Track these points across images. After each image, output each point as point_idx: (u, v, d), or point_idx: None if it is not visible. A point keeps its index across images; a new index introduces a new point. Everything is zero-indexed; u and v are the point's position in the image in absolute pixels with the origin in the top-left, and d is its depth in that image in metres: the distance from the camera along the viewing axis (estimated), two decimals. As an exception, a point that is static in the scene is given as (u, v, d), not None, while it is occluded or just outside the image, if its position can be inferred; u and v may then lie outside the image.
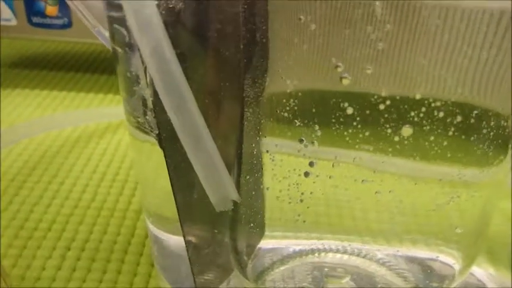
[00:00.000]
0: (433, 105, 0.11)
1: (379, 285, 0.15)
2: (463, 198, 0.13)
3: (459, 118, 0.11)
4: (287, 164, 0.13)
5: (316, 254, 0.16)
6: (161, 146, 0.13)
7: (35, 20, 0.28)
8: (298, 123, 0.12)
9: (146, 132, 0.15)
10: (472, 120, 0.12)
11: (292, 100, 0.12)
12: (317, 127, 0.12)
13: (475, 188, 0.13)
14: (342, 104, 0.11)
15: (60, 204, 0.21)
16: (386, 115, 0.11)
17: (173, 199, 0.13)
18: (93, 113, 0.28)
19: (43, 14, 0.28)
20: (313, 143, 0.12)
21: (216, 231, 0.15)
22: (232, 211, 0.14)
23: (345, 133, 0.12)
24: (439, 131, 0.11)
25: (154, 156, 0.14)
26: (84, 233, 0.19)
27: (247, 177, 0.14)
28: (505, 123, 0.12)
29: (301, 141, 0.12)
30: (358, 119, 0.11)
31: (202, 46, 0.13)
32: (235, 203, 0.13)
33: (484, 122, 0.12)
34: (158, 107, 0.12)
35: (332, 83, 0.11)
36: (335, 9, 0.11)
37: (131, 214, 0.21)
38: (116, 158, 0.24)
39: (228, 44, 0.12)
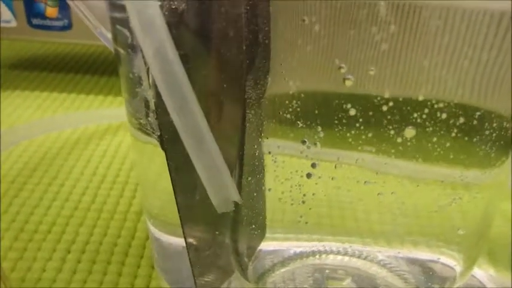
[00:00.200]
0: (435, 106, 0.11)
1: (380, 287, 0.15)
2: (465, 199, 0.13)
3: (462, 119, 0.11)
4: (289, 165, 0.13)
5: (317, 256, 0.16)
6: (163, 148, 0.13)
7: (35, 21, 0.28)
8: (300, 125, 0.12)
9: (148, 134, 0.14)
10: (475, 122, 0.12)
11: (295, 101, 0.12)
12: (320, 128, 0.12)
13: (477, 189, 0.13)
14: (344, 106, 0.11)
15: (61, 206, 0.21)
16: (389, 116, 0.11)
17: (174, 200, 0.13)
18: (93, 115, 0.28)
19: (43, 16, 0.28)
20: (315, 144, 0.12)
21: (217, 232, 0.15)
22: (233, 213, 0.14)
23: (348, 134, 0.12)
24: (442, 132, 0.11)
25: (155, 158, 0.14)
26: (85, 235, 0.19)
27: (249, 178, 0.14)
28: (507, 125, 0.12)
29: (303, 142, 0.12)
30: (360, 120, 0.11)
31: (205, 47, 0.13)
32: (236, 205, 0.13)
33: (487, 124, 0.12)
34: (160, 109, 0.12)
35: (335, 84, 0.11)
36: (338, 10, 0.11)
37: (132, 216, 0.21)
38: (116, 160, 0.24)
39: (230, 45, 0.12)
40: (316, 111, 0.12)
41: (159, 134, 0.13)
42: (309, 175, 0.13)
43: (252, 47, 0.12)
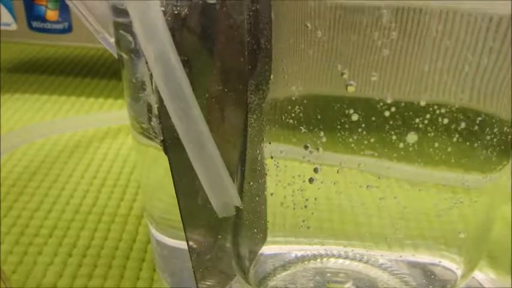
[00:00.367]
0: (437, 112, 0.11)
1: (381, 291, 0.15)
2: (466, 203, 0.13)
3: (463, 125, 0.12)
4: (292, 170, 0.13)
5: (319, 260, 0.16)
6: (166, 152, 0.13)
7: (35, 24, 0.28)
8: (303, 130, 0.12)
9: (150, 138, 0.15)
10: (476, 127, 0.12)
11: (297, 107, 0.12)
12: (322, 133, 0.12)
13: (478, 193, 0.13)
14: (347, 111, 0.11)
15: (61, 209, 0.21)
16: (391, 122, 0.11)
17: (176, 204, 0.13)
18: (93, 118, 0.28)
19: (43, 19, 0.28)
20: (318, 149, 0.12)
21: (219, 236, 0.15)
22: (235, 217, 0.14)
23: (350, 139, 0.12)
24: (443, 137, 0.12)
25: (158, 161, 0.14)
26: (86, 239, 0.19)
27: (251, 183, 0.14)
28: (508, 130, 0.12)
29: (306, 147, 0.12)
30: (363, 125, 0.11)
31: (207, 52, 0.13)
32: (237, 209, 0.13)
33: (487, 129, 0.12)
34: (164, 114, 0.12)
35: (337, 90, 0.11)
36: (341, 16, 0.11)
37: (132, 219, 0.21)
38: (117, 163, 0.24)
39: (232, 51, 0.13)
40: (319, 117, 0.12)
41: (162, 138, 0.13)
42: (311, 180, 0.13)
43: (253, 52, 0.12)
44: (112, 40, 0.15)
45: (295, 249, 0.16)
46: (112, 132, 0.27)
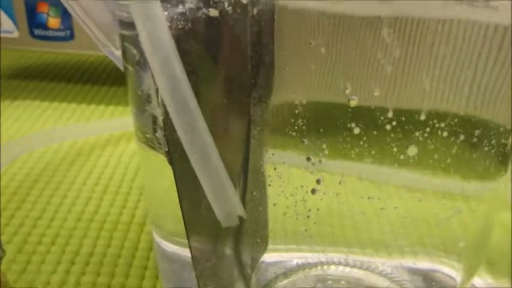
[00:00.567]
0: (437, 125, 0.12)
1: (381, 297, 0.16)
2: (465, 213, 0.14)
3: (462, 137, 0.12)
4: (294, 181, 0.13)
5: (319, 267, 0.16)
6: (170, 163, 0.14)
7: (37, 32, 0.28)
8: (306, 142, 0.12)
9: (154, 148, 0.15)
10: (474, 139, 0.12)
11: (300, 120, 0.12)
12: (324, 146, 0.12)
13: (477, 202, 0.14)
14: (349, 124, 0.12)
15: (64, 217, 0.21)
16: (392, 135, 0.12)
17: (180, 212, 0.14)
18: (94, 126, 0.28)
19: (45, 26, 0.28)
20: (320, 161, 0.12)
21: (221, 244, 0.15)
22: (237, 225, 0.14)
23: (352, 152, 0.12)
24: (443, 149, 0.12)
25: (163, 171, 0.14)
26: (88, 247, 0.20)
27: (254, 193, 0.14)
28: (505, 141, 0.12)
29: (308, 159, 0.12)
30: (364, 138, 0.12)
31: (211, 65, 0.13)
32: (240, 218, 0.13)
33: (486, 141, 0.12)
34: (169, 126, 0.12)
35: (340, 104, 0.12)
36: (344, 33, 0.11)
37: (135, 227, 0.21)
38: (118, 171, 0.25)
39: (235, 64, 0.13)
40: (321, 130, 0.12)
41: (166, 149, 0.13)
42: (313, 191, 0.13)
43: (257, 65, 0.13)
44: (117, 52, 0.15)
45: (296, 257, 0.16)
46: (113, 140, 0.27)
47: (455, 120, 0.12)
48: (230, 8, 0.12)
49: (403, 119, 0.12)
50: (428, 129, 0.12)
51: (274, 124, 0.13)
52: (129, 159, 0.26)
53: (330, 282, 0.16)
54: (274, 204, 0.14)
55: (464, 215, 0.14)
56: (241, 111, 0.13)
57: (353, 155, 0.12)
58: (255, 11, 0.12)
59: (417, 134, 0.12)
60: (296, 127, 0.12)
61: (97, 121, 0.29)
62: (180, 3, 0.12)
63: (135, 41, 0.13)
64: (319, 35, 0.11)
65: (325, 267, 0.16)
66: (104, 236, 0.20)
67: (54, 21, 0.28)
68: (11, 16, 0.28)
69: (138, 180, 0.24)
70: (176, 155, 0.13)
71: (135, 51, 0.14)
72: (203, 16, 0.12)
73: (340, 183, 0.13)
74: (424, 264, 0.16)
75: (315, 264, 0.16)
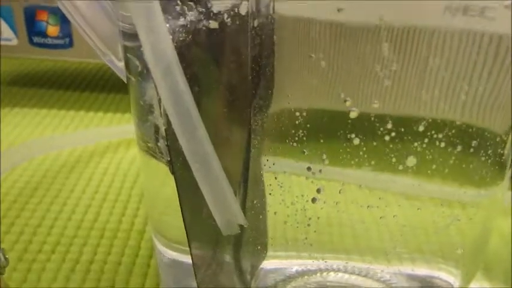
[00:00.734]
0: (435, 136, 0.12)
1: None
2: (463, 220, 0.14)
3: (459, 147, 0.12)
4: (295, 190, 0.13)
5: (319, 274, 0.16)
6: (172, 172, 0.14)
7: (36, 40, 0.29)
8: (306, 152, 0.12)
9: (155, 157, 0.15)
10: (472, 149, 0.12)
11: (301, 130, 0.12)
12: (325, 156, 0.12)
13: (474, 210, 0.14)
14: (349, 135, 0.12)
15: (63, 225, 0.21)
16: (391, 145, 0.12)
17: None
18: (93, 133, 0.28)
19: (44, 34, 0.28)
20: (320, 171, 0.13)
21: (222, 251, 0.15)
22: (238, 233, 0.14)
23: (352, 162, 0.12)
24: (441, 159, 0.12)
25: (165, 178, 0.14)
26: (89, 254, 0.20)
27: (254, 201, 0.14)
28: (502, 151, 0.13)
29: (309, 169, 0.13)
30: (364, 148, 0.12)
31: (212, 76, 0.13)
32: (241, 226, 0.13)
33: (482, 151, 0.12)
34: (171, 136, 0.12)
35: (340, 116, 0.12)
36: (343, 46, 0.11)
37: (135, 234, 0.21)
38: (117, 178, 0.25)
39: (236, 75, 0.13)
40: (322, 140, 0.12)
41: (168, 159, 0.13)
42: (314, 200, 0.13)
43: (257, 76, 0.13)
44: (118, 62, 0.16)
45: (296, 264, 0.16)
46: (112, 147, 0.27)
47: (453, 131, 0.12)
48: (229, 19, 0.12)
49: (402, 129, 0.12)
50: (426, 140, 0.12)
51: (276, 134, 0.13)
52: (128, 166, 0.26)
53: (329, 288, 0.16)
54: (275, 213, 0.14)
55: (462, 223, 0.14)
56: (242, 121, 0.13)
57: (353, 165, 0.12)
58: (255, 23, 0.12)
59: (416, 144, 0.12)
60: (297, 137, 0.12)
61: (95, 128, 0.29)
62: (181, 15, 0.12)
63: (137, 52, 0.13)
64: (319, 47, 0.12)
65: (325, 274, 0.16)
66: (104, 244, 0.20)
67: (53, 29, 0.28)
68: (10, 24, 0.28)
69: (137, 188, 0.24)
70: (178, 164, 0.13)
71: (137, 62, 0.14)
72: (203, 28, 0.12)
73: (340, 192, 0.13)
74: (422, 270, 0.16)
75: (315, 271, 0.16)
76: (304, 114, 0.12)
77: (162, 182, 0.15)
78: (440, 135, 0.12)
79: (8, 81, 0.34)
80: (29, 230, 0.21)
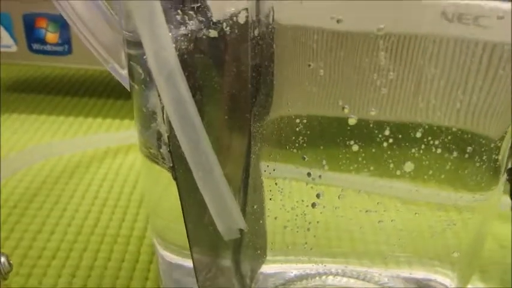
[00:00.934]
0: (431, 142, 0.12)
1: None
2: (458, 225, 0.14)
3: (455, 154, 0.13)
4: (295, 195, 0.14)
5: (318, 278, 0.16)
6: (174, 178, 0.14)
7: (35, 46, 0.29)
8: (306, 158, 0.13)
9: (157, 163, 0.15)
10: (467, 156, 0.13)
11: (301, 137, 0.13)
12: (324, 162, 0.13)
13: (470, 214, 0.14)
14: (348, 142, 0.12)
15: (64, 231, 0.21)
16: (389, 152, 0.12)
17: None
18: (92, 139, 0.28)
19: (43, 41, 0.29)
20: (320, 176, 0.13)
21: (222, 255, 0.15)
22: (238, 237, 0.15)
23: (351, 167, 0.13)
24: (437, 165, 0.13)
25: (168, 184, 0.15)
26: (89, 260, 0.20)
27: (255, 206, 0.15)
28: (496, 157, 0.13)
29: (309, 174, 0.13)
30: (363, 155, 0.12)
31: (213, 84, 0.13)
32: (241, 231, 0.14)
33: (477, 157, 0.13)
34: (174, 143, 0.13)
35: (339, 123, 0.12)
36: (341, 55, 0.12)
37: (134, 240, 0.21)
38: (117, 183, 0.25)
39: (237, 83, 0.13)
40: (321, 147, 0.12)
41: (171, 165, 0.14)
42: (313, 205, 0.13)
43: (257, 84, 0.13)
44: (120, 70, 0.16)
45: (295, 268, 0.16)
46: (111, 153, 0.27)
47: (449, 137, 0.12)
48: (228, 28, 0.12)
49: (400, 136, 0.12)
50: (423, 146, 0.12)
51: (276, 140, 0.13)
52: (127, 171, 0.26)
53: (328, 292, 0.16)
54: (276, 218, 0.14)
55: (458, 227, 0.14)
56: (242, 128, 0.14)
57: (352, 171, 0.13)
58: (255, 33, 0.13)
59: (413, 150, 0.12)
60: (297, 144, 0.13)
61: (94, 134, 0.29)
62: (181, 24, 0.13)
63: (141, 60, 0.14)
64: (317, 56, 0.12)
65: (324, 277, 0.16)
66: (104, 249, 0.20)
67: (52, 36, 0.29)
68: (9, 31, 0.28)
69: (137, 193, 0.24)
70: (180, 170, 0.13)
71: (140, 70, 0.14)
72: (204, 37, 0.13)
73: (339, 197, 0.13)
74: (419, 273, 0.16)
75: (314, 275, 0.16)
76: (304, 121, 0.12)
77: (164, 187, 0.15)
78: (436, 142, 0.12)
79: (7, 87, 0.34)
80: (29, 235, 0.21)
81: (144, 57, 0.13)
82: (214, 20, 0.13)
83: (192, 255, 0.15)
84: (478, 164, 0.13)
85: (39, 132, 0.29)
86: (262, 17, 0.13)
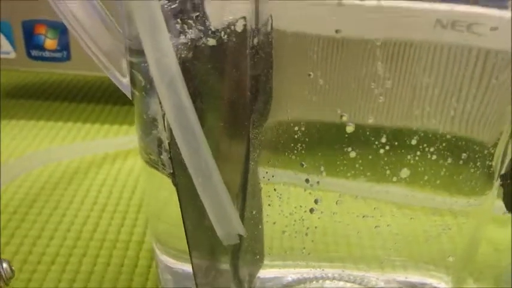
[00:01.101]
0: (426, 149, 0.13)
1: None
2: (453, 229, 0.15)
3: (450, 160, 0.13)
4: (293, 201, 0.14)
5: (315, 282, 0.17)
6: (174, 184, 0.14)
7: (34, 53, 0.29)
8: (305, 165, 0.13)
9: (157, 169, 0.15)
10: (461, 162, 0.13)
11: (299, 144, 0.13)
12: (322, 168, 0.13)
13: (464, 219, 0.15)
14: (345, 148, 0.13)
15: (63, 236, 0.21)
16: (386, 158, 0.13)
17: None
18: (90, 145, 0.28)
19: (42, 48, 0.29)
20: (318, 182, 0.13)
21: (221, 260, 0.16)
22: (237, 242, 0.15)
23: (348, 174, 0.13)
24: (433, 171, 0.13)
25: (168, 190, 0.15)
26: (88, 265, 0.20)
27: (253, 212, 0.15)
28: (490, 163, 0.13)
29: (307, 180, 0.13)
30: (360, 161, 0.13)
31: (214, 92, 0.14)
32: (240, 236, 0.14)
33: (471, 163, 0.13)
34: (174, 150, 0.13)
35: (337, 130, 0.13)
36: (340, 64, 0.12)
37: (134, 245, 0.21)
38: (116, 189, 0.25)
39: (236, 91, 0.14)
40: (320, 154, 0.13)
41: (171, 171, 0.14)
42: (312, 210, 0.14)
43: (256, 91, 0.14)
44: (121, 77, 0.16)
45: (293, 272, 0.17)
46: (110, 158, 0.28)
47: (444, 144, 0.13)
48: (226, 37, 0.13)
49: (396, 143, 0.12)
50: (419, 153, 0.13)
51: (275, 147, 0.13)
52: (125, 177, 0.26)
53: (325, 296, 0.17)
54: (274, 223, 0.14)
55: (453, 231, 0.15)
56: (241, 135, 0.14)
57: (349, 177, 0.13)
58: (254, 42, 0.13)
59: (409, 157, 0.13)
60: (295, 151, 0.13)
61: (93, 140, 0.29)
62: (181, 33, 0.13)
63: (141, 68, 0.14)
64: (316, 65, 0.12)
65: (321, 281, 0.16)
66: (103, 255, 0.21)
67: (51, 43, 0.29)
68: (8, 37, 0.29)
69: (136, 198, 0.24)
70: (180, 177, 0.14)
71: (141, 78, 0.14)
72: (203, 45, 0.13)
73: (336, 203, 0.14)
74: (415, 277, 0.16)
75: (311, 279, 0.16)
76: (303, 128, 0.13)
77: (165, 192, 0.16)
78: (432, 149, 0.13)
79: (6, 93, 0.34)
80: (29, 241, 0.21)
81: (144, 64, 0.14)
82: (213, 29, 0.13)
83: (191, 259, 0.15)
84: (472, 170, 0.13)
85: (38, 138, 0.29)
86: (261, 26, 0.13)
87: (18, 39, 0.29)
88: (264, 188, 0.14)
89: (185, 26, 0.13)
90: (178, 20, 0.13)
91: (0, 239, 0.21)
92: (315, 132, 0.13)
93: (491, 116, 0.13)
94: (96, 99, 0.35)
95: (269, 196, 0.14)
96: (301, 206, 0.14)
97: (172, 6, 0.13)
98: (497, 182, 0.14)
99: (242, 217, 0.15)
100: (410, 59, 0.12)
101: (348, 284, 0.16)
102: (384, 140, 0.12)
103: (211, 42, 0.13)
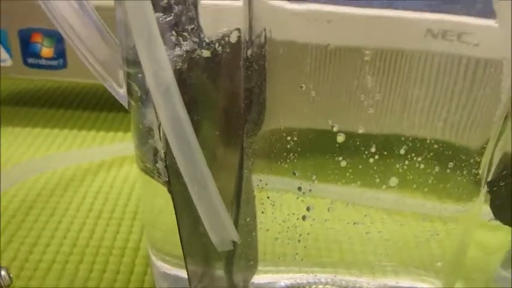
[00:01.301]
0: (415, 159, 0.13)
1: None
2: (442, 234, 0.15)
3: (437, 169, 0.13)
4: (286, 208, 0.14)
5: (307, 287, 0.17)
6: (169, 191, 0.15)
7: (30, 61, 0.29)
8: (297, 174, 0.13)
9: (153, 177, 0.16)
10: (448, 170, 0.13)
11: (292, 154, 0.13)
12: (314, 177, 0.13)
13: (453, 225, 0.15)
14: (336, 158, 0.13)
15: (59, 243, 0.22)
16: (375, 167, 0.13)
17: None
18: (86, 152, 0.28)
19: (38, 55, 0.29)
20: (310, 190, 0.14)
21: (216, 266, 0.16)
22: (231, 249, 0.15)
23: (339, 182, 0.13)
24: (421, 180, 0.13)
25: (164, 197, 0.15)
26: (85, 272, 0.20)
27: (247, 219, 0.15)
28: (476, 171, 0.14)
29: (299, 188, 0.14)
30: (350, 170, 0.13)
31: (208, 102, 0.14)
32: (234, 242, 0.14)
33: (458, 171, 0.14)
34: (170, 159, 0.13)
35: (328, 140, 0.13)
36: (331, 76, 0.12)
37: (129, 252, 0.21)
38: (111, 196, 0.25)
39: (230, 101, 0.14)
40: (312, 163, 0.13)
41: (167, 180, 0.14)
42: (304, 217, 0.14)
43: (250, 102, 0.14)
44: (117, 88, 0.16)
45: (286, 278, 0.17)
46: (105, 165, 0.28)
47: (431, 153, 0.13)
48: (220, 48, 0.13)
49: (385, 153, 0.13)
50: (407, 162, 0.13)
51: (268, 156, 0.14)
52: (121, 184, 0.26)
53: (318, 301, 0.17)
54: (267, 230, 0.15)
55: (442, 236, 0.15)
56: (235, 144, 0.14)
57: (340, 185, 0.13)
58: (248, 53, 0.13)
59: (398, 166, 0.13)
60: (288, 160, 0.13)
61: (89, 148, 0.30)
62: (176, 45, 0.13)
63: (138, 79, 0.14)
64: (308, 77, 0.13)
65: (314, 286, 0.17)
66: (99, 261, 0.21)
67: (47, 51, 0.29)
68: (4, 46, 0.29)
69: (131, 205, 0.25)
70: (176, 185, 0.14)
71: (137, 88, 0.15)
72: (198, 57, 0.13)
73: (328, 210, 0.14)
74: (405, 282, 0.17)
75: (304, 285, 0.17)
76: (295, 138, 0.13)
77: (161, 200, 0.16)
78: (419, 158, 0.13)
79: (2, 101, 0.35)
80: (25, 248, 0.21)
81: (140, 75, 0.14)
82: (207, 41, 0.13)
83: (186, 265, 0.15)
84: (459, 178, 0.14)
85: (34, 145, 0.30)
86: (255, 38, 0.13)
87: (15, 47, 0.29)
88: (257, 196, 0.15)
89: (180, 38, 0.13)
90: (174, 32, 0.13)
91: (-4, 246, 0.21)
92: (307, 141, 0.13)
93: (478, 124, 0.13)
94: (91, 106, 0.35)
95: (262, 203, 0.14)
96: (293, 213, 0.14)
97: (168, 19, 0.13)
98: (484, 189, 0.15)
99: (236, 224, 0.15)
100: (402, 68, 0.12)
101: (341, 289, 0.17)
102: (373, 149, 0.13)
103: (206, 53, 0.13)
